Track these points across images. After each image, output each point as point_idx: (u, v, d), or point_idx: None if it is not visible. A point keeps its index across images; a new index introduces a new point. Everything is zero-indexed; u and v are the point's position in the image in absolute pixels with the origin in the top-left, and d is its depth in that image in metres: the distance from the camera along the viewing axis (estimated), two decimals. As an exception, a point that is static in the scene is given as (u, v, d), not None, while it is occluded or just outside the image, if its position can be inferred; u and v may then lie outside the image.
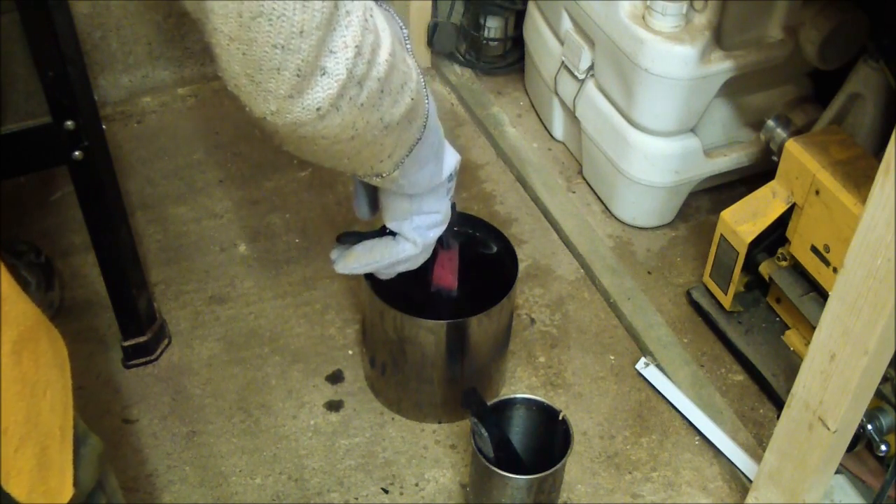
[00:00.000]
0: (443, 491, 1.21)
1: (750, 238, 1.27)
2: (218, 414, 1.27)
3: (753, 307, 1.38)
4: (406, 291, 1.18)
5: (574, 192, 1.59)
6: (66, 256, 1.43)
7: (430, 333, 1.17)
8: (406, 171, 0.86)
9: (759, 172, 1.47)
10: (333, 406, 1.29)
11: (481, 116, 1.71)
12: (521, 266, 1.43)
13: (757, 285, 1.35)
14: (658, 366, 1.33)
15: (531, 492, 1.07)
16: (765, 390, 1.32)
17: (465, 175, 1.61)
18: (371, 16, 0.65)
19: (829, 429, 0.97)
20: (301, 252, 1.48)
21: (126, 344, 1.30)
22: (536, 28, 1.63)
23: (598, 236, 1.51)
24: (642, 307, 1.40)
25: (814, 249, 1.20)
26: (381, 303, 1.16)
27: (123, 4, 1.62)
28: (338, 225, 1.48)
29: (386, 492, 1.20)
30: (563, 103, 1.60)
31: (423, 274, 1.17)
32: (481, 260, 1.25)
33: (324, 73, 0.63)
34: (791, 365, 1.30)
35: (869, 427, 1.09)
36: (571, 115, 1.57)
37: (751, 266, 1.30)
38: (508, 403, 1.12)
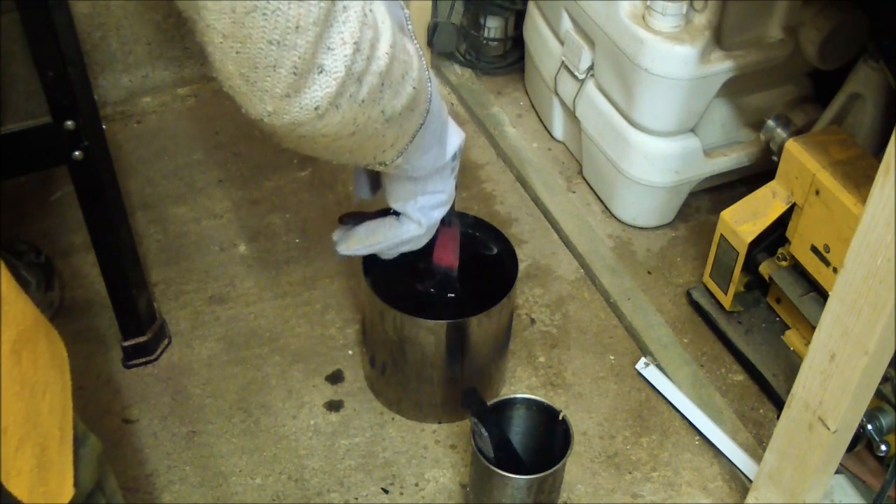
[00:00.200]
0: (443, 491, 1.21)
1: (750, 238, 1.27)
2: (218, 414, 1.27)
3: (753, 307, 1.38)
4: (406, 291, 1.18)
5: (574, 192, 1.59)
6: (66, 256, 1.43)
7: (430, 333, 1.17)
8: (410, 156, 0.84)
9: (759, 172, 1.47)
10: (333, 406, 1.29)
11: (481, 116, 1.70)
12: (521, 266, 1.43)
13: (757, 285, 1.35)
14: (658, 366, 1.33)
15: (531, 492, 1.07)
16: (765, 390, 1.32)
17: (465, 175, 1.61)
18: (370, 10, 0.64)
19: (829, 429, 0.97)
20: (301, 252, 1.48)
21: (126, 344, 1.30)
22: (536, 28, 1.63)
23: (598, 236, 1.51)
24: (642, 307, 1.40)
25: (814, 249, 1.20)
26: (381, 303, 1.15)
27: (123, 4, 1.62)
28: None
29: (386, 492, 1.20)
30: (563, 103, 1.60)
31: (422, 271, 1.17)
32: (481, 260, 1.25)
33: (321, 71, 0.62)
34: (791, 365, 1.30)
35: (869, 427, 1.08)
36: (571, 115, 1.57)
37: (751, 266, 1.30)
38: (508, 403, 1.12)
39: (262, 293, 1.42)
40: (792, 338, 1.33)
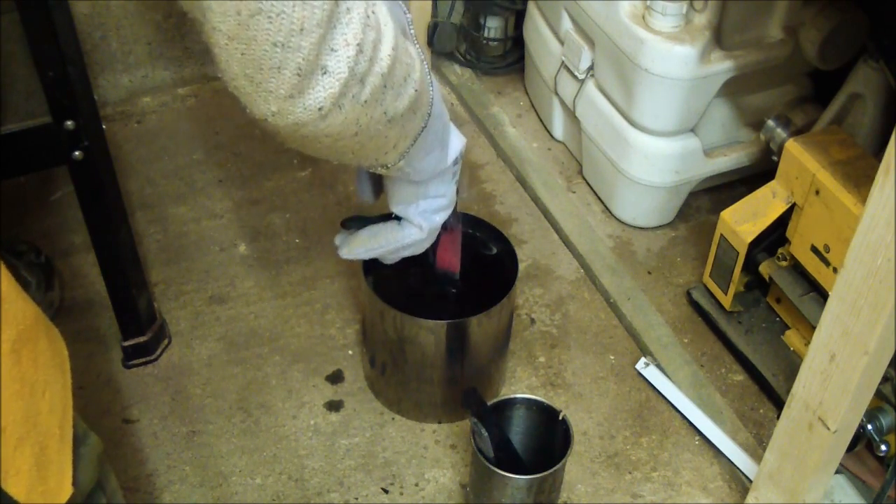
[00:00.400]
0: (443, 491, 1.21)
1: (750, 238, 1.27)
2: (218, 414, 1.27)
3: (753, 307, 1.38)
4: (406, 291, 1.18)
5: (574, 192, 1.59)
6: (66, 256, 1.43)
7: (430, 333, 1.17)
8: (411, 159, 0.85)
9: (759, 172, 1.47)
10: (333, 406, 1.29)
11: (481, 116, 1.71)
12: (521, 266, 1.43)
13: (757, 285, 1.35)
14: (658, 366, 1.33)
15: (531, 492, 1.07)
16: (765, 390, 1.32)
17: (466, 175, 1.61)
18: (373, 12, 0.64)
19: (829, 429, 0.97)
20: (301, 252, 1.48)
21: (126, 344, 1.30)
22: (536, 28, 1.63)
23: (598, 236, 1.51)
24: (642, 307, 1.40)
25: (814, 249, 1.20)
26: (381, 303, 1.15)
27: (123, 4, 1.62)
28: (338, 225, 1.48)
29: (386, 492, 1.20)
30: (563, 103, 1.60)
31: (422, 274, 1.17)
32: (481, 260, 1.25)
33: (325, 72, 0.62)
34: (791, 365, 1.30)
35: (869, 427, 1.08)
36: (571, 115, 1.57)
37: (751, 266, 1.30)
38: (508, 403, 1.12)
39: (262, 293, 1.42)
40: (792, 338, 1.33)
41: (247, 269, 1.45)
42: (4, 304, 0.51)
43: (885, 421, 1.09)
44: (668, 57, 1.33)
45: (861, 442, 1.10)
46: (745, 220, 1.28)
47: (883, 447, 1.09)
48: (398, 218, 0.99)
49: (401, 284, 1.19)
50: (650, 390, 1.32)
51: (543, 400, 1.12)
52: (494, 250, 1.26)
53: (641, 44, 1.34)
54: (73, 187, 1.13)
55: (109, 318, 1.30)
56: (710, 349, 1.37)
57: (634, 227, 1.54)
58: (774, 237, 1.28)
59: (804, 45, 1.35)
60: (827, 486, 1.10)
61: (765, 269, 1.29)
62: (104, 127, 1.13)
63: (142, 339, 1.30)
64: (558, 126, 1.66)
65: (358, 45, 0.63)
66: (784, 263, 1.28)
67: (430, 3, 1.70)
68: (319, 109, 0.64)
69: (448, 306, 1.18)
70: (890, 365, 0.95)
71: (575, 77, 1.52)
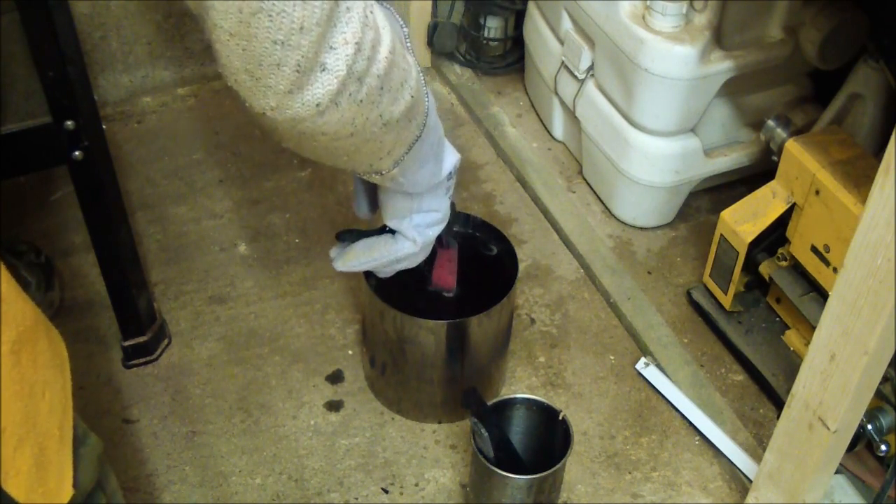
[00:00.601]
0: (443, 491, 1.21)
1: (750, 238, 1.27)
2: (218, 414, 1.27)
3: (753, 307, 1.38)
4: (406, 291, 1.18)
5: (574, 192, 1.59)
6: (66, 256, 1.44)
7: (430, 333, 1.17)
8: (405, 169, 0.86)
9: (759, 172, 1.47)
10: (333, 406, 1.29)
11: (481, 116, 1.71)
12: (521, 266, 1.43)
13: (757, 285, 1.35)
14: (658, 366, 1.33)
15: (531, 492, 1.07)
16: (765, 390, 1.32)
17: (466, 175, 1.61)
18: (371, 12, 0.65)
19: (829, 429, 0.97)
20: (301, 252, 1.48)
21: (126, 344, 1.30)
22: (536, 28, 1.63)
23: (598, 236, 1.51)
24: (642, 307, 1.40)
25: (814, 249, 1.20)
26: (381, 303, 1.16)
27: (123, 4, 1.62)
28: (338, 225, 1.48)
29: (386, 492, 1.20)
30: (563, 103, 1.60)
31: (422, 275, 1.17)
32: (481, 260, 1.25)
33: (324, 70, 0.63)
34: (791, 365, 1.30)
35: (869, 427, 1.08)
36: (571, 115, 1.57)
37: (751, 266, 1.30)
38: (508, 403, 1.12)
39: (262, 293, 1.42)
40: (792, 338, 1.33)
41: (247, 269, 1.45)
42: (4, 305, 0.51)
43: (885, 421, 1.09)
44: (668, 57, 1.33)
45: (861, 442, 1.10)
46: (745, 220, 1.28)
47: (883, 447, 1.09)
48: (392, 231, 1.00)
49: (401, 284, 1.19)
50: (650, 390, 1.32)
51: (543, 400, 1.12)
52: (494, 250, 1.26)
53: (641, 44, 1.34)
54: (73, 187, 1.13)
55: (109, 318, 1.30)
56: (710, 349, 1.37)
57: (634, 227, 1.54)
58: (774, 237, 1.28)
59: (804, 45, 1.35)
60: (827, 486, 1.10)
61: (765, 269, 1.29)
62: (104, 127, 1.13)
63: (142, 339, 1.30)
64: (558, 126, 1.66)
65: (357, 43, 0.63)
66: (784, 263, 1.28)
67: (430, 3, 1.71)
68: (317, 106, 0.64)
69: (448, 306, 1.18)
70: (890, 365, 0.95)
71: (575, 77, 1.52)
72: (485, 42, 1.76)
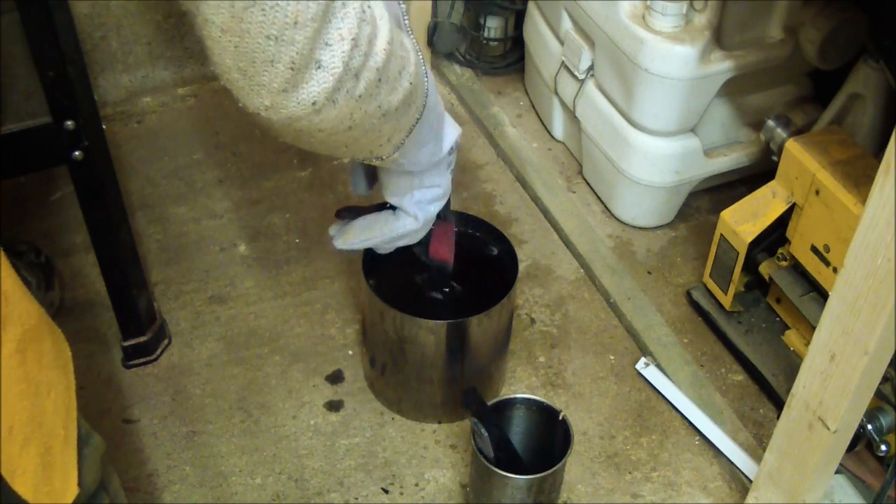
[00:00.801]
0: (443, 491, 1.21)
1: (750, 238, 1.27)
2: (218, 414, 1.27)
3: (753, 307, 1.38)
4: (406, 289, 1.18)
5: (574, 192, 1.60)
6: (66, 256, 1.43)
7: (430, 333, 1.17)
8: (406, 151, 0.84)
9: (759, 172, 1.47)
10: (333, 406, 1.29)
11: (481, 116, 1.71)
12: (521, 266, 1.43)
13: (757, 285, 1.35)
14: (658, 366, 1.33)
15: (531, 492, 1.07)
16: (765, 390, 1.32)
17: (466, 175, 1.61)
18: (368, 6, 0.64)
19: (829, 429, 0.97)
20: (301, 252, 1.48)
21: (126, 344, 1.30)
22: (536, 28, 1.63)
23: (598, 236, 1.51)
24: (642, 307, 1.40)
25: (814, 249, 1.20)
26: (381, 303, 1.16)
27: (123, 4, 1.62)
28: (338, 225, 1.49)
29: (386, 492, 1.20)
30: (563, 103, 1.60)
31: (421, 272, 1.17)
32: (481, 260, 1.25)
33: (319, 67, 0.62)
34: (791, 365, 1.30)
35: (869, 427, 1.09)
36: (571, 115, 1.57)
37: (751, 266, 1.31)
38: (508, 403, 1.13)
39: (262, 293, 1.42)
40: (792, 338, 1.34)
41: (247, 269, 1.45)
42: (9, 304, 0.51)
43: (885, 421, 1.09)
44: (668, 57, 1.33)
45: (861, 442, 1.10)
46: (745, 220, 1.28)
47: (883, 447, 1.09)
48: (393, 208, 0.99)
49: (401, 284, 1.19)
50: (650, 390, 1.32)
51: (543, 400, 1.12)
52: (494, 250, 1.26)
53: (641, 44, 1.34)
54: (73, 187, 1.13)
55: (109, 318, 1.30)
56: (710, 349, 1.37)
57: (634, 227, 1.54)
58: (774, 237, 1.28)
59: (804, 45, 1.35)
60: (827, 486, 1.10)
61: (765, 269, 1.30)
62: (104, 127, 1.13)
63: (142, 339, 1.30)
64: (558, 126, 1.66)
65: (353, 39, 0.62)
66: (784, 263, 1.28)
67: (429, 3, 1.70)
68: (313, 104, 0.63)
69: (448, 306, 1.18)
70: (890, 365, 0.95)
71: (575, 77, 1.52)
72: (485, 42, 1.76)
